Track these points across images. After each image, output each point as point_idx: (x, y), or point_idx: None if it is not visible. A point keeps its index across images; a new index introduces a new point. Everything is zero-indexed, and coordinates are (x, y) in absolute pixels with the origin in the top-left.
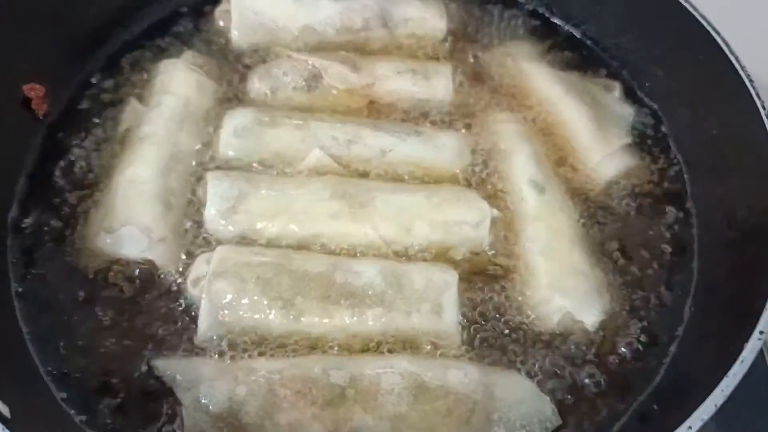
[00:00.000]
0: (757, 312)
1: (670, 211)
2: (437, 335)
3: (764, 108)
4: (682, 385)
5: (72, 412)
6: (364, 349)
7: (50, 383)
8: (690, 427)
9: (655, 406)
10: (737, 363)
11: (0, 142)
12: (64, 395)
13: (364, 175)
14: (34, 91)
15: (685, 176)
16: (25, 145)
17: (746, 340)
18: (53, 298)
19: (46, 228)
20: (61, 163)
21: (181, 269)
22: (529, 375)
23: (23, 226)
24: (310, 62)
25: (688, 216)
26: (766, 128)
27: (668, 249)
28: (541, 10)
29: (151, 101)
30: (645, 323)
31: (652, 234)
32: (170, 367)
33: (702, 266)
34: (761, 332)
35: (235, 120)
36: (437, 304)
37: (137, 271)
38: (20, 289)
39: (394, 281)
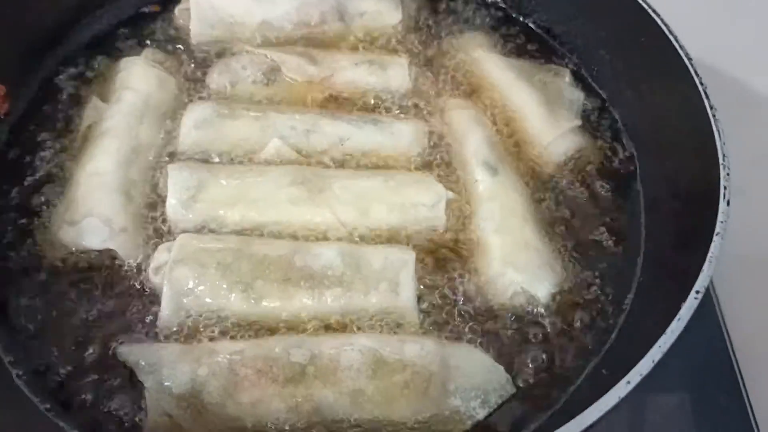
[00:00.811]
0: (694, 273)
1: (619, 186)
2: (395, 312)
3: (702, 84)
4: (629, 350)
5: (36, 399)
6: (325, 329)
7: (12, 372)
8: (629, 382)
9: (603, 371)
10: (674, 321)
11: None
12: (26, 383)
13: (323, 163)
14: None
15: (633, 154)
16: None
17: (683, 299)
18: (17, 289)
19: (9, 222)
20: (24, 160)
21: (142, 258)
22: (484, 347)
23: None
24: (268, 56)
25: (635, 190)
26: (704, 103)
27: (617, 224)
28: (492, 0)
29: (111, 98)
30: (595, 295)
31: (602, 209)
32: (133, 352)
33: (649, 237)
34: (697, 291)
35: (196, 112)
36: (394, 282)
37: (99, 261)
38: None
39: (353, 262)
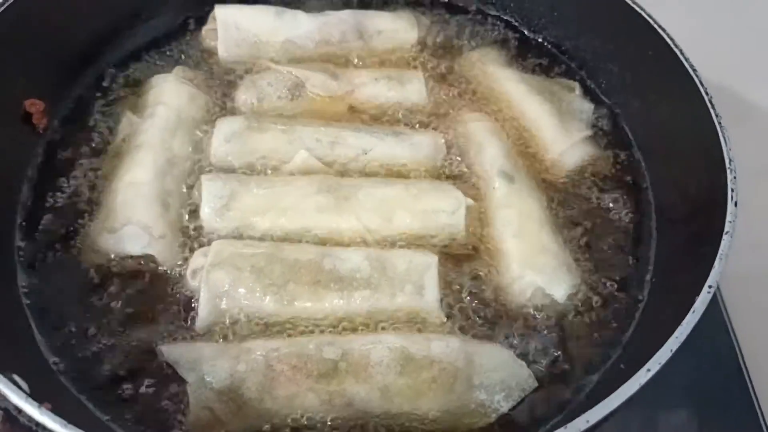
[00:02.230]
0: (706, 270)
1: (629, 192)
2: (420, 313)
3: (707, 94)
4: (645, 346)
5: (82, 397)
6: (354, 329)
7: (60, 375)
8: (649, 370)
9: (621, 366)
10: (689, 313)
11: (3, 154)
12: (71, 381)
13: (347, 173)
14: (34, 106)
15: (642, 162)
16: (27, 157)
17: (698, 293)
18: (60, 295)
19: (50, 232)
20: (63, 173)
21: (179, 263)
22: (505, 345)
23: (29, 231)
24: (293, 73)
25: (645, 196)
26: (710, 111)
27: (629, 228)
28: (505, 18)
29: (145, 113)
30: (610, 295)
31: (614, 215)
32: (174, 351)
33: (660, 240)
34: (710, 286)
35: (226, 126)
36: (419, 284)
37: (138, 266)
38: (28, 289)
39: (379, 265)
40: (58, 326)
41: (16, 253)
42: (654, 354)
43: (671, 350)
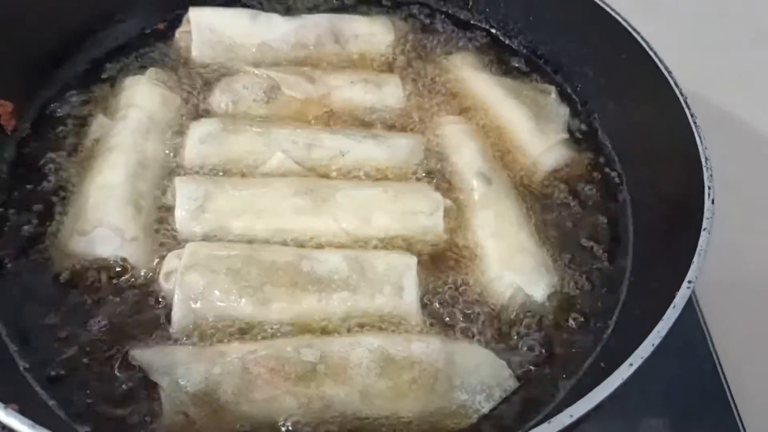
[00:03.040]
0: (685, 267)
1: (606, 193)
2: (400, 314)
3: (683, 94)
4: (625, 344)
5: (52, 404)
6: (333, 331)
7: (27, 377)
8: (631, 364)
9: (602, 364)
10: (670, 308)
11: None
12: (42, 388)
13: (325, 175)
14: (2, 107)
15: (617, 163)
16: None
17: (677, 289)
18: (29, 299)
19: (19, 235)
20: (31, 176)
21: (152, 266)
22: (485, 345)
23: None
24: (268, 75)
25: (622, 196)
26: (685, 111)
27: (607, 228)
28: (481, 24)
29: (117, 115)
30: (588, 294)
31: (591, 215)
32: (147, 355)
33: (637, 239)
34: (689, 282)
35: (201, 128)
36: (398, 285)
37: (110, 269)
38: None
39: (357, 267)
40: (26, 331)
41: None
42: (636, 348)
43: (653, 344)
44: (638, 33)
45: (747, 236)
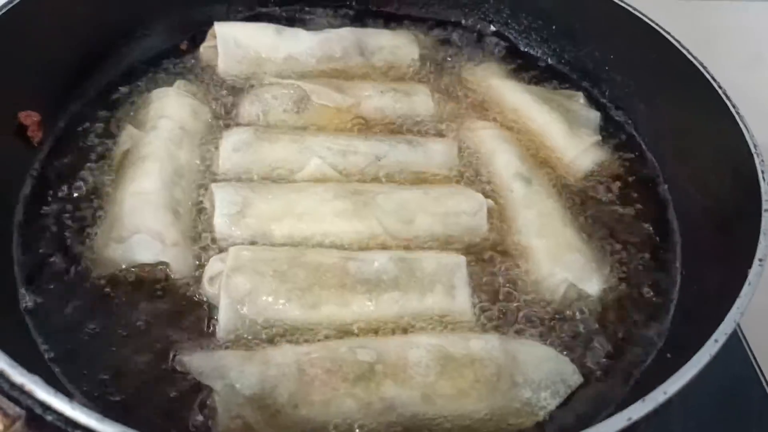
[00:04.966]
0: (748, 249)
1: (646, 193)
2: (452, 313)
3: (721, 87)
4: (689, 332)
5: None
6: (385, 332)
7: (70, 387)
8: (716, 340)
9: (668, 355)
10: (745, 285)
11: None
12: (86, 398)
13: (361, 181)
14: (29, 117)
15: (655, 162)
16: (22, 171)
17: (749, 266)
18: (67, 313)
19: (51, 249)
20: (60, 187)
21: (195, 271)
22: (544, 343)
23: (27, 248)
24: (297, 85)
25: (663, 195)
26: (726, 103)
27: (650, 225)
28: (505, 33)
29: (146, 126)
30: (642, 288)
31: (633, 214)
32: (196, 360)
33: (685, 233)
34: (761, 260)
35: (234, 136)
36: (449, 284)
37: (151, 276)
38: (33, 309)
39: (406, 266)
40: (69, 347)
41: (18, 272)
42: (716, 327)
43: (735, 321)
44: (667, 32)
45: None
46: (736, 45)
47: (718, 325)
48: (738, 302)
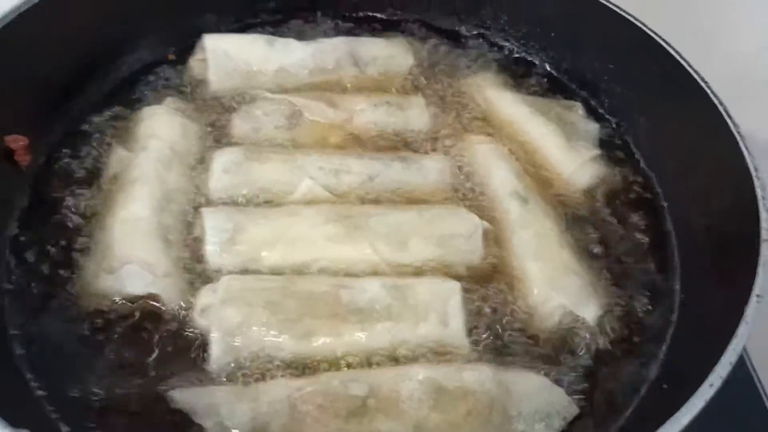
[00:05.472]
0: (747, 281)
1: (645, 209)
2: (446, 343)
3: (722, 104)
4: (685, 363)
5: None
6: (378, 363)
7: (60, 426)
8: (711, 385)
9: (664, 386)
10: (742, 324)
11: None
12: None
13: (355, 201)
14: (17, 142)
15: (654, 178)
16: (11, 196)
17: (745, 303)
18: (57, 342)
19: (42, 277)
20: (50, 213)
21: (185, 302)
22: (538, 372)
23: (19, 276)
24: (289, 101)
25: (662, 212)
26: (726, 121)
27: (649, 244)
28: (501, 42)
29: (136, 146)
30: (639, 314)
31: (631, 232)
32: (187, 396)
33: (683, 255)
34: (758, 296)
35: (224, 157)
36: (443, 312)
37: (140, 308)
38: (21, 339)
39: (399, 295)
40: (57, 377)
41: (7, 301)
42: (711, 366)
43: (731, 363)
44: (669, 45)
45: None
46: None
47: (714, 366)
48: (734, 341)
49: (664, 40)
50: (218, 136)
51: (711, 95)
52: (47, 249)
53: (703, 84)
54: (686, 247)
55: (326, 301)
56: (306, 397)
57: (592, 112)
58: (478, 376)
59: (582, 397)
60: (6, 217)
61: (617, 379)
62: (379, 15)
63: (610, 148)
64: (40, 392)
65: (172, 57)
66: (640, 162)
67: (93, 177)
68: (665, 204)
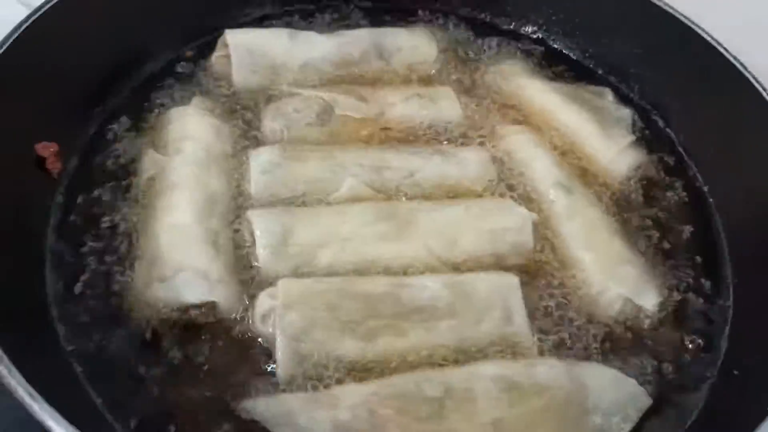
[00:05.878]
0: None
1: (687, 195)
2: (511, 338)
3: (758, 82)
4: (754, 344)
5: None
6: (445, 361)
7: None
8: None
9: (735, 372)
10: None
11: (21, 206)
12: None
13: (397, 197)
14: (47, 149)
15: (694, 163)
16: (46, 205)
17: None
18: (114, 356)
19: (90, 289)
20: (85, 219)
21: (243, 308)
22: (605, 363)
23: (66, 290)
24: (319, 96)
25: (704, 197)
26: (765, 99)
27: (695, 231)
28: (527, 28)
29: (169, 149)
30: (696, 299)
31: (675, 219)
32: (260, 406)
33: (731, 238)
34: None
35: (261, 158)
36: (506, 308)
37: (198, 316)
38: (78, 355)
39: (460, 291)
40: (117, 393)
41: (56, 317)
42: None
43: None
44: (700, 27)
45: None
46: None
47: None
48: None
49: (693, 22)
50: (249, 134)
51: (751, 78)
52: (91, 262)
53: (741, 67)
54: (733, 231)
55: (387, 302)
56: (383, 401)
57: (623, 98)
58: (551, 371)
59: (654, 385)
60: (44, 226)
61: (685, 365)
62: (401, 4)
63: (645, 133)
64: (108, 415)
65: (189, 54)
66: (677, 147)
67: (127, 181)
68: (707, 189)
